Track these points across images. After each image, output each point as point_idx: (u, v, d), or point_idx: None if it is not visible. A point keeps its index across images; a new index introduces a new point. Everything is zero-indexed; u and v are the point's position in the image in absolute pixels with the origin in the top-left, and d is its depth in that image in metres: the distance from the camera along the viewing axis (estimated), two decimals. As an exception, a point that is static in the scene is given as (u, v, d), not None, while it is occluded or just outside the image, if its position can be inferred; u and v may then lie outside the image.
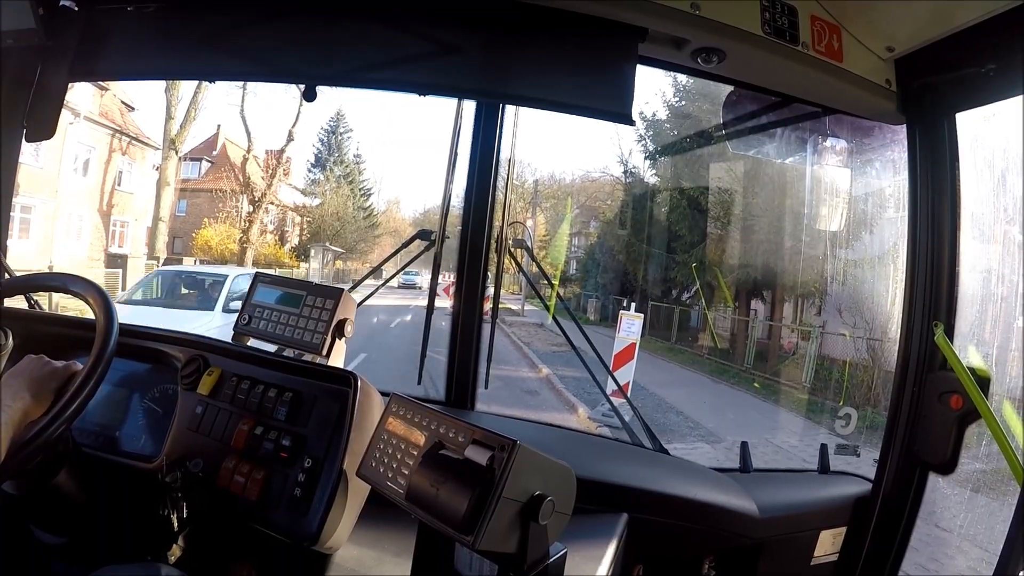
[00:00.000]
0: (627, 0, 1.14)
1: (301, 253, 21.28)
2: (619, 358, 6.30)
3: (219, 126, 21.20)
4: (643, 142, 15.39)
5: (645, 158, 15.77)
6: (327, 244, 21.22)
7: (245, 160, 19.36)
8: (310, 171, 23.87)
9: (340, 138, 23.98)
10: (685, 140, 13.84)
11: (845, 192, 1.59)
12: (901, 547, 1.43)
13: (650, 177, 15.83)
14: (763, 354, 11.45)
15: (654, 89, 17.42)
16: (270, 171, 19.33)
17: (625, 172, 17.69)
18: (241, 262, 17.89)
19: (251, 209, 19.12)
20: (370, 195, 24.37)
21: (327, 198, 22.87)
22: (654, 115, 14.89)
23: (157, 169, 16.64)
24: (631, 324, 6.47)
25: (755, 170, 11.21)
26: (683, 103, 14.38)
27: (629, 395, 5.47)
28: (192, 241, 18.79)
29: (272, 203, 20.17)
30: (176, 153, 16.09)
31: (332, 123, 24.02)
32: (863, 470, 1.63)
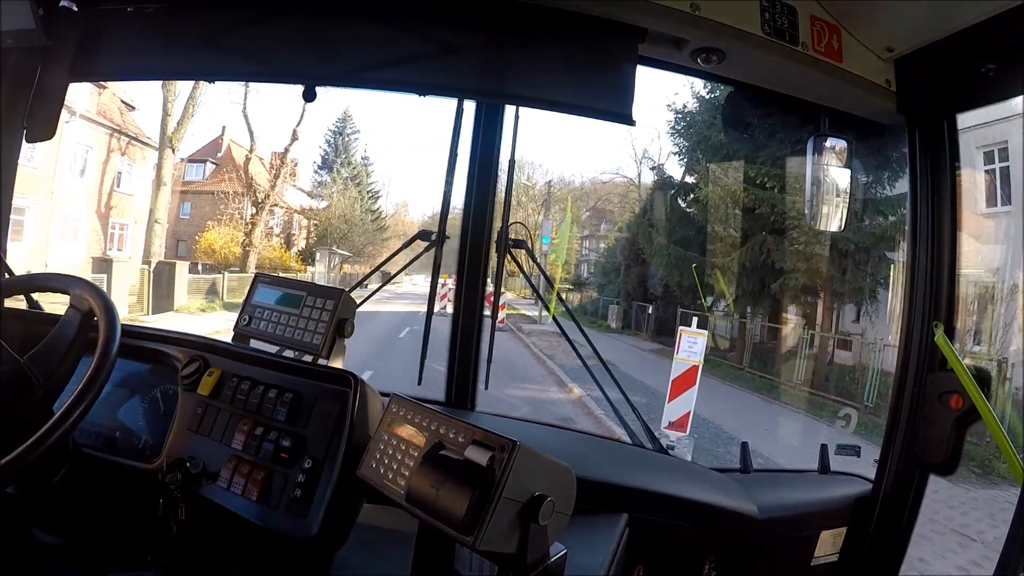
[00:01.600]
0: (627, 0, 1.15)
1: (308, 257, 20.77)
2: (678, 384, 4.94)
3: (224, 127, 20.69)
4: (674, 136, 13.77)
5: (676, 154, 14.25)
6: (334, 247, 20.80)
7: (248, 160, 18.89)
8: (316, 173, 23.52)
9: (347, 139, 23.66)
10: (722, 132, 11.68)
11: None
12: (901, 547, 1.43)
13: (681, 174, 14.23)
14: (818, 370, 10.03)
15: (682, 81, 15.71)
16: (274, 171, 18.85)
17: (654, 169, 16.26)
18: (244, 267, 17.27)
19: (254, 211, 18.56)
20: (378, 197, 24.03)
21: (334, 200, 22.46)
22: (684, 107, 13.37)
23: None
24: (693, 343, 5.09)
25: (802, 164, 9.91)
26: (716, 94, 12.39)
27: (688, 428, 4.69)
28: (195, 244, 18.35)
29: (277, 205, 19.66)
30: (173, 151, 15.42)
31: (339, 124, 23.71)
32: (863, 470, 1.63)
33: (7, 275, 1.22)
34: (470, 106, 1.61)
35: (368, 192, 23.62)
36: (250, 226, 18.38)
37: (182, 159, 19.87)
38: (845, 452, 1.74)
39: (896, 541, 1.44)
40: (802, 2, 1.22)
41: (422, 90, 1.24)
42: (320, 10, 1.18)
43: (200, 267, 16.31)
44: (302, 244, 21.60)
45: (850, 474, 1.65)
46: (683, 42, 1.22)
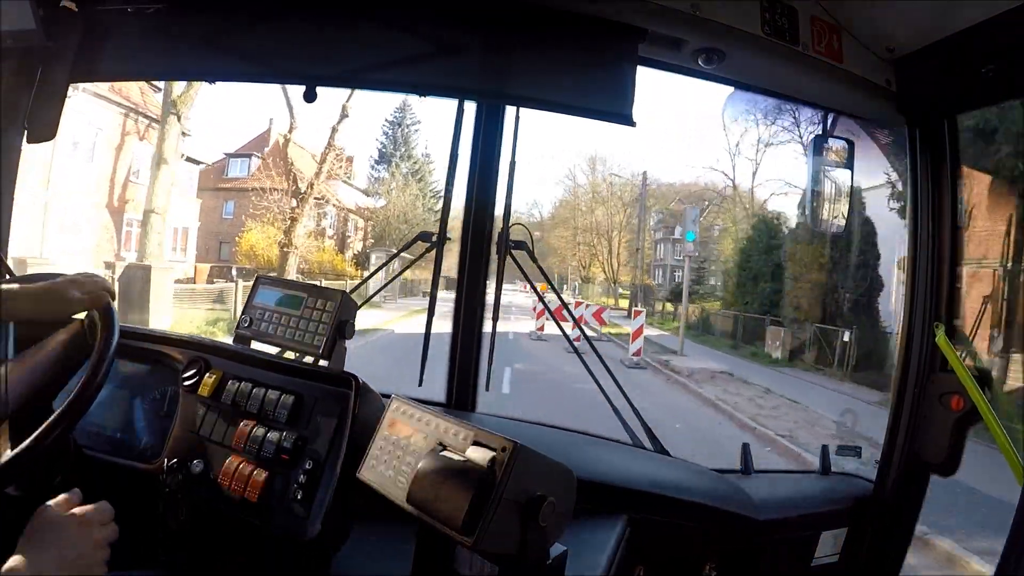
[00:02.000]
0: (627, 0, 1.15)
1: (363, 260, 18.67)
2: None
3: (271, 120, 18.83)
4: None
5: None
6: (392, 250, 18.21)
7: (287, 140, 16.33)
8: (373, 168, 21.50)
9: (406, 131, 21.76)
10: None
11: None
12: (902, 548, 1.43)
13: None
14: None
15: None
16: (322, 158, 15.96)
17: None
18: (282, 271, 14.55)
19: (295, 204, 15.51)
20: (440, 197, 21.81)
21: (392, 198, 20.43)
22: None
23: (188, 159, 13.94)
24: None
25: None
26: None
27: None
28: (236, 246, 16.69)
29: (324, 199, 17.02)
30: (179, 119, 11.88)
31: (397, 115, 21.76)
32: (864, 471, 1.63)
33: (7, 275, 1.22)
34: (471, 106, 1.60)
35: (431, 190, 21.60)
36: (290, 222, 15.51)
37: (225, 154, 18.38)
38: (845, 453, 1.73)
39: (896, 542, 1.44)
40: (803, 3, 1.22)
41: (422, 91, 1.24)
42: (320, 10, 1.18)
43: (235, 271, 14.58)
44: (358, 247, 19.58)
45: (851, 474, 1.65)
46: (683, 42, 1.22)
